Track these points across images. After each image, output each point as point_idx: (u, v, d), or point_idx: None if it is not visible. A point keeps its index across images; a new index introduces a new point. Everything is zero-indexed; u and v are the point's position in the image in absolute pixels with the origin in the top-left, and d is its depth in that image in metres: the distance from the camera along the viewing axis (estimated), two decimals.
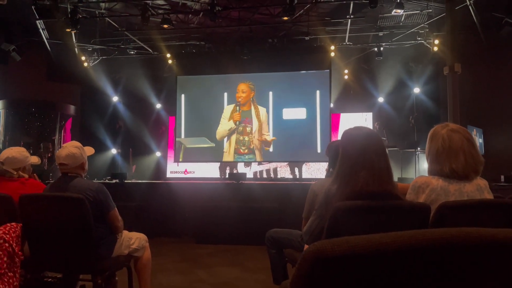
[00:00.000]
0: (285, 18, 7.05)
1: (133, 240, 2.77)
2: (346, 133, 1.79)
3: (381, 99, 8.50)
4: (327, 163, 2.76)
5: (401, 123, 8.20)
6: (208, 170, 8.53)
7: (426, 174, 1.96)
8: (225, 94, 8.59)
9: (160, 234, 5.83)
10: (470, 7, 6.50)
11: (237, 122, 8.43)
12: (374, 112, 8.34)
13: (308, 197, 2.47)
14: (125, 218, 2.74)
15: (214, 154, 8.48)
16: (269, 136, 8.33)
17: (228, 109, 8.51)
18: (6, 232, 1.90)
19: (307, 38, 8.06)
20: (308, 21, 7.69)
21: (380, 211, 1.57)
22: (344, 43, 8.16)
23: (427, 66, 7.98)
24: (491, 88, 6.95)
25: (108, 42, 8.44)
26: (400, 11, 6.61)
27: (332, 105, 8.42)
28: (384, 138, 7.95)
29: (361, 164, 1.61)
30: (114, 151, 8.96)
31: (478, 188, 1.84)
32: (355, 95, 8.52)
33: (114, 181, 6.69)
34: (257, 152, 8.35)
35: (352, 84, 8.55)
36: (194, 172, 8.59)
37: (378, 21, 7.75)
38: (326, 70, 8.39)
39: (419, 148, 7.16)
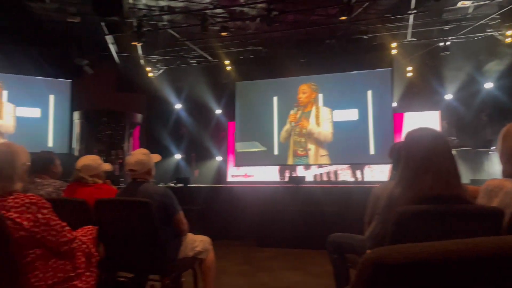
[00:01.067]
0: (343, 18, 6.91)
1: (197, 242, 2.87)
2: (409, 134, 1.72)
3: (448, 96, 8.02)
4: (390, 164, 2.67)
5: (472, 121, 7.68)
6: (268, 174, 8.60)
7: (500, 176, 1.82)
8: (277, 99, 8.65)
9: (222, 237, 5.97)
10: None
11: (292, 123, 8.45)
12: (441, 110, 7.90)
13: (370, 201, 2.40)
14: (189, 221, 2.85)
15: (267, 158, 8.54)
16: (327, 135, 8.20)
17: (291, 112, 8.57)
18: (84, 234, 2.06)
19: (366, 36, 7.83)
20: (367, 19, 7.49)
21: (447, 216, 1.49)
22: (406, 40, 7.83)
23: (500, 59, 7.40)
24: None
25: (170, 53, 8.85)
26: (467, 3, 6.21)
27: (395, 104, 8.11)
28: (454, 137, 7.49)
29: (426, 166, 1.54)
30: (178, 156, 9.35)
31: None
32: (419, 93, 8.12)
33: (178, 185, 6.96)
34: (311, 154, 8.29)
35: (416, 82, 8.16)
36: (253, 176, 8.71)
37: (443, 14, 7.33)
38: (387, 69, 8.11)
39: (492, 148, 6.64)
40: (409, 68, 8.13)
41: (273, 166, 8.62)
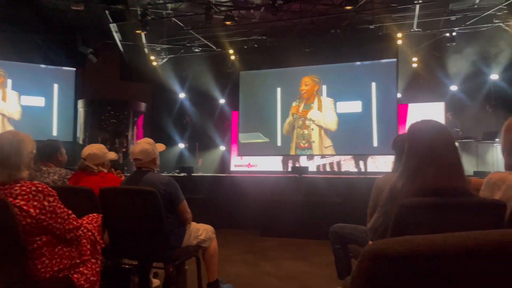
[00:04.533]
0: (348, 7, 6.85)
1: (200, 231, 2.90)
2: (413, 126, 1.72)
3: (453, 88, 7.96)
4: (393, 156, 2.67)
5: (476, 112, 7.63)
6: (271, 164, 8.62)
7: (503, 168, 1.82)
8: (280, 89, 8.62)
9: (225, 225, 6.01)
10: None
11: (294, 116, 8.43)
12: (446, 102, 7.85)
13: (372, 192, 2.41)
14: (192, 210, 2.87)
15: (270, 148, 8.55)
16: (333, 126, 8.19)
17: (293, 103, 8.55)
18: (89, 222, 2.09)
19: (371, 26, 7.76)
20: (373, 9, 7.42)
21: (449, 208, 1.50)
22: (412, 30, 7.76)
23: (507, 50, 7.32)
24: None
25: (174, 41, 8.82)
26: None
27: (399, 95, 8.07)
28: (458, 129, 7.46)
29: (429, 159, 1.55)
30: (181, 145, 9.38)
31: None
32: (424, 84, 8.07)
33: (182, 174, 7.00)
34: (315, 146, 8.28)
35: (422, 73, 8.10)
36: (257, 166, 8.74)
37: (449, 4, 7.24)
38: (393, 60, 8.05)
39: (497, 140, 6.61)
40: (414, 59, 8.07)
41: (276, 156, 8.63)
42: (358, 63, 8.25)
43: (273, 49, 8.69)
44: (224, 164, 9.13)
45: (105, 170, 3.00)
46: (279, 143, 8.59)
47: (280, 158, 8.64)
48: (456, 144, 1.65)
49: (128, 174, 3.24)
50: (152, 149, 2.80)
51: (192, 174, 7.02)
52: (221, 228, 5.67)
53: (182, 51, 9.05)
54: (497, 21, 7.20)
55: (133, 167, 2.86)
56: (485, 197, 1.72)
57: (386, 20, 7.76)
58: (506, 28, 7.15)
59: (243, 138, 8.83)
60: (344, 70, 8.36)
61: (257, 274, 3.92)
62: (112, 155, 3.21)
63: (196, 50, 9.02)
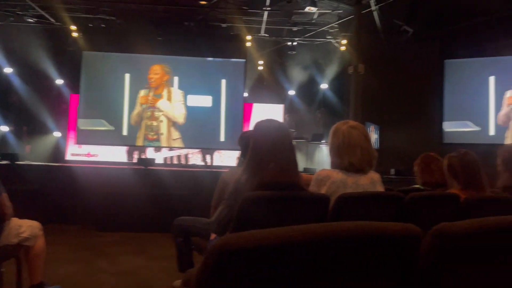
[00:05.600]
0: (203, 2, 6.92)
1: (23, 228, 2.55)
2: (258, 125, 1.83)
3: (292, 92, 8.84)
4: (239, 151, 2.80)
5: (309, 116, 8.64)
6: (115, 154, 8.11)
7: (329, 165, 2.10)
8: (129, 76, 8.21)
9: (57, 221, 5.42)
10: (375, 12, 7.03)
11: (143, 106, 8.14)
12: (285, 105, 8.66)
13: (218, 185, 2.48)
14: (16, 203, 2.52)
15: (114, 138, 8.07)
16: (180, 119, 8.16)
17: (141, 92, 8.17)
18: None
19: (224, 25, 8.01)
20: (226, 8, 7.65)
21: (286, 202, 1.65)
22: (259, 34, 8.29)
23: (335, 64, 8.47)
24: (390, 89, 7.62)
25: (2, 6, 7.46)
26: (313, 9, 6.89)
27: (246, 94, 8.56)
28: (293, 130, 8.32)
29: (271, 156, 1.67)
30: (4, 128, 8.03)
31: (372, 181, 2.02)
32: (268, 87, 8.73)
33: (3, 162, 6.02)
34: (163, 138, 8.14)
35: (266, 76, 8.74)
36: (98, 156, 8.11)
37: (292, 16, 7.99)
38: (242, 60, 8.47)
39: (323, 141, 7.62)
40: (261, 62, 8.66)
41: (120, 147, 8.16)
42: (210, 58, 8.41)
43: (123, 32, 8.13)
44: (58, 152, 8.18)
45: None
46: (124, 132, 8.13)
47: (125, 148, 8.19)
48: (294, 143, 1.82)
49: None
50: None
51: (17, 162, 6.10)
52: (51, 223, 5.09)
53: (12, 19, 7.72)
54: (329, 37, 8.26)
55: None
56: (314, 192, 1.94)
57: (237, 21, 8.11)
58: (336, 44, 8.27)
59: (84, 124, 8.08)
60: (196, 64, 8.41)
61: (90, 272, 3.64)
62: None
63: (30, 20, 7.82)
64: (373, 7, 6.86)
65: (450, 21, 7.33)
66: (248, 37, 8.11)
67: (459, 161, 2.41)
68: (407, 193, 2.09)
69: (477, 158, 2.42)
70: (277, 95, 8.73)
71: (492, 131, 7.41)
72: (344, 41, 7.88)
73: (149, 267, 3.87)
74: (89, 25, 8.05)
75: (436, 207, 2.15)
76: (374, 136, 7.52)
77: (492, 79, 7.45)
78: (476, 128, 7.51)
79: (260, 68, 8.69)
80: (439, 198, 2.26)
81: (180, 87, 8.25)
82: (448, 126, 7.82)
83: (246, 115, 8.45)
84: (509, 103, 7.29)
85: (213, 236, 2.21)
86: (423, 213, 2.05)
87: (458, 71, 7.87)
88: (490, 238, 0.78)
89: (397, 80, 7.59)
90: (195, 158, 8.27)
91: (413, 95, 7.64)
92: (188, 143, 8.20)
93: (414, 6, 7.16)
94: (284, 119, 8.36)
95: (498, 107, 7.38)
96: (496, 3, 6.63)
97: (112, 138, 8.06)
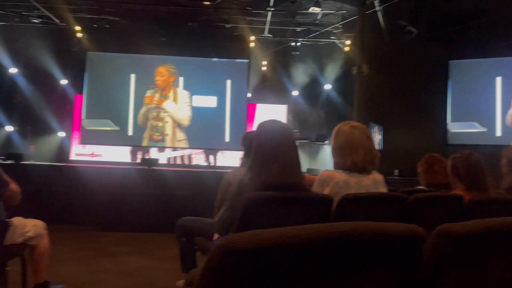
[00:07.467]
0: (207, 2, 6.93)
1: (28, 227, 2.56)
2: (261, 125, 1.83)
3: (295, 93, 8.83)
4: (242, 151, 2.80)
5: (312, 117, 8.63)
6: (118, 154, 8.13)
7: (332, 167, 2.09)
8: (134, 76, 8.24)
9: (61, 221, 5.42)
10: (379, 12, 7.01)
11: (148, 106, 8.16)
12: (289, 105, 8.65)
13: (221, 186, 2.49)
14: (20, 203, 2.52)
15: (120, 138, 8.09)
16: (185, 121, 8.18)
17: (148, 93, 8.20)
18: None
19: (227, 25, 8.02)
20: (229, 9, 7.65)
21: (289, 202, 1.65)
22: (263, 35, 8.29)
23: (338, 64, 8.46)
24: (394, 90, 7.60)
25: (8, 7, 7.49)
26: (317, 10, 6.88)
27: (249, 94, 8.56)
28: (297, 130, 8.31)
29: (274, 156, 1.67)
30: (9, 128, 8.07)
31: (375, 182, 2.02)
32: (272, 87, 8.73)
33: (8, 161, 6.05)
34: (168, 139, 8.16)
35: (269, 76, 8.74)
36: (101, 156, 8.13)
37: (296, 16, 7.98)
38: (245, 60, 8.48)
39: (327, 141, 7.60)
40: (264, 62, 8.66)
41: (124, 147, 8.18)
42: (215, 59, 8.42)
43: (127, 32, 8.16)
44: (62, 152, 8.21)
45: None
46: (130, 133, 8.15)
47: (128, 148, 8.22)
48: (297, 143, 1.82)
49: None
50: None
51: (22, 162, 6.13)
52: (55, 223, 5.10)
53: (17, 19, 7.76)
54: (333, 37, 8.24)
55: None
56: (317, 192, 1.94)
57: (240, 21, 8.11)
58: (340, 45, 8.25)
59: (89, 124, 8.11)
60: (201, 64, 8.42)
61: (93, 272, 3.65)
62: None
63: (35, 21, 7.86)
64: (377, 8, 6.84)
65: (455, 21, 7.29)
66: (252, 38, 8.12)
67: (463, 162, 2.39)
68: (411, 194, 2.08)
69: (482, 159, 2.41)
70: (281, 96, 8.72)
71: (499, 132, 7.37)
72: (348, 42, 7.87)
73: (153, 267, 3.88)
74: (94, 25, 8.09)
75: (440, 208, 2.14)
76: (378, 136, 7.50)
77: (499, 80, 7.41)
78: (483, 129, 7.48)
79: (264, 68, 8.69)
80: (443, 199, 2.25)
81: (185, 88, 8.26)
82: (454, 127, 7.79)
83: (249, 116, 8.45)
84: None
85: (216, 236, 2.21)
86: (427, 214, 2.04)
87: (463, 72, 7.84)
88: (494, 239, 0.77)
89: (400, 81, 7.57)
90: (198, 158, 8.29)
91: (417, 96, 7.62)
92: (193, 144, 8.21)
93: (419, 6, 7.14)
94: (288, 119, 8.36)
95: (505, 108, 7.34)
96: (501, 3, 6.59)
97: (117, 138, 8.09)
